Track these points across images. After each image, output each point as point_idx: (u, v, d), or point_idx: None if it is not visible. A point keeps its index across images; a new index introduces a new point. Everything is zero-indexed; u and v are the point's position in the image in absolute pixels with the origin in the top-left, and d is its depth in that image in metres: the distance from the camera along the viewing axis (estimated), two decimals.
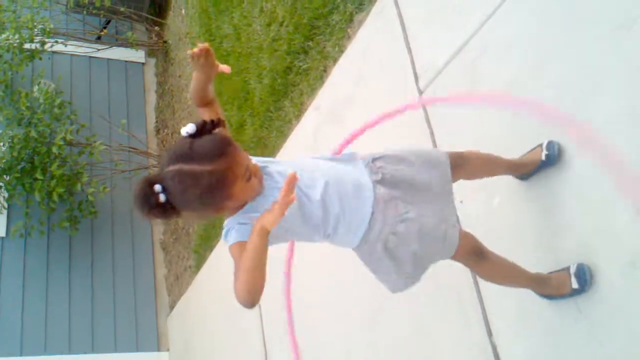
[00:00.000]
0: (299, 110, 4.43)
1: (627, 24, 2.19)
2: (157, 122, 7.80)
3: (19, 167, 5.76)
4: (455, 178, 2.19)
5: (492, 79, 2.78)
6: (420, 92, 3.19)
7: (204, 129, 1.75)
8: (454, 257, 2.09)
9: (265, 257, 1.72)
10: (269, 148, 4.69)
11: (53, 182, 5.78)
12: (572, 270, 2.22)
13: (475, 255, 2.13)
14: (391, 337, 3.19)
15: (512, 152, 2.51)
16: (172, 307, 6.56)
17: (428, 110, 3.12)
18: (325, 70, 4.19)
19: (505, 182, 2.57)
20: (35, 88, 6.31)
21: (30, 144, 5.78)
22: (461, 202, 2.85)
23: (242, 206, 1.87)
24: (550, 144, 2.39)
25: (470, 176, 2.42)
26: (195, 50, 1.89)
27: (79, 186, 5.97)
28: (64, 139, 5.84)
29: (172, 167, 1.71)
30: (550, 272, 2.32)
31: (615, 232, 2.15)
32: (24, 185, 5.81)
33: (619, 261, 2.12)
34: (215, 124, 1.78)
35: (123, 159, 6.56)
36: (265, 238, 1.70)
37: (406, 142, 2.98)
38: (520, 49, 2.65)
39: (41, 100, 6.01)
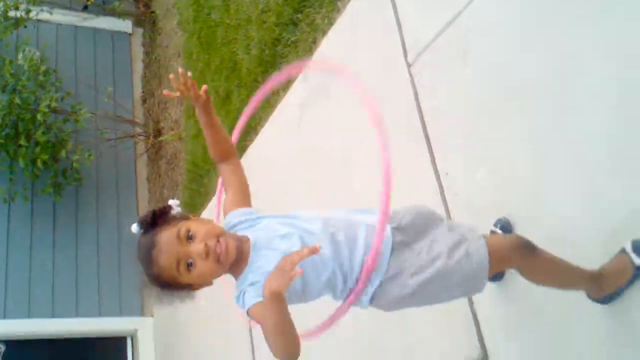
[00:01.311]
0: (287, 82, 4.45)
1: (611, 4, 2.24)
2: (143, 91, 7.77)
3: (3, 133, 5.74)
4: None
5: (480, 53, 2.82)
6: (409, 65, 3.23)
7: (148, 222, 1.83)
8: (504, 264, 1.99)
9: (287, 317, 1.61)
10: (255, 119, 4.71)
11: (37, 149, 5.78)
12: (628, 247, 2.01)
13: (525, 249, 1.90)
14: (385, 341, 3.21)
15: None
16: None
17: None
18: (314, 43, 4.21)
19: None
20: (20, 55, 6.25)
21: (15, 111, 5.75)
22: (447, 174, 2.91)
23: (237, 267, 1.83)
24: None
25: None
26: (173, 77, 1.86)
27: (63, 153, 5.97)
28: (48, 106, 5.82)
29: None
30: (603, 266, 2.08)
31: None
32: (7, 152, 5.81)
33: None
34: (159, 213, 1.84)
35: (109, 127, 6.55)
36: (280, 301, 1.57)
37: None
38: (508, 25, 2.69)
39: (25, 68, 5.97)
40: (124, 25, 7.94)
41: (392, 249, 1.85)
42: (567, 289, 2.12)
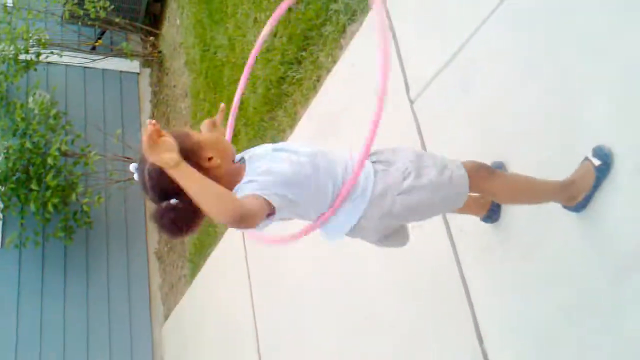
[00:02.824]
0: (293, 120, 4.46)
1: (612, 34, 2.24)
2: None
3: (14, 177, 5.76)
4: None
5: (482, 88, 2.83)
6: (411, 102, 3.23)
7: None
8: (472, 188, 2.11)
9: (198, 180, 1.69)
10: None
11: (48, 193, 5.79)
12: (590, 155, 2.23)
13: (484, 170, 2.15)
14: (382, 344, 3.22)
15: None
16: (166, 317, 6.56)
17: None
18: (318, 80, 4.23)
19: None
20: (30, 99, 6.32)
21: (25, 155, 5.78)
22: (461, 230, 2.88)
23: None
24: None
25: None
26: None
27: (73, 196, 5.99)
28: (59, 149, 5.86)
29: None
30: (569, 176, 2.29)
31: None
32: (19, 196, 5.82)
33: None
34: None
35: (118, 168, 6.58)
36: (179, 169, 1.66)
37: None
38: (508, 60, 2.70)
39: (36, 111, 6.03)
40: (132, 65, 8.02)
41: (375, 172, 2.04)
42: (538, 202, 2.33)
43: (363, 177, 2.00)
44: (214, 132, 2.21)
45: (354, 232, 2.07)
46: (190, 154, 1.82)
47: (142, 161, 1.87)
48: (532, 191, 2.26)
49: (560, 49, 2.47)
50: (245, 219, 1.69)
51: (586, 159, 2.24)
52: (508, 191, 2.24)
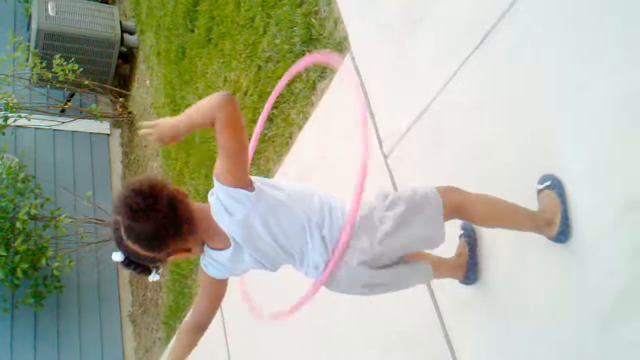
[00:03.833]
0: (267, 177, 4.45)
1: (583, 86, 2.29)
2: None
3: None
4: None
5: (455, 140, 2.86)
6: (385, 157, 3.25)
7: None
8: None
9: (196, 110, 1.83)
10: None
11: (17, 258, 5.67)
12: (537, 187, 2.32)
13: (453, 188, 2.18)
14: None
15: None
16: None
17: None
18: (290, 137, 4.25)
19: None
20: None
21: None
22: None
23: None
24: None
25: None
26: None
27: (43, 261, 5.87)
28: (28, 213, 5.77)
29: None
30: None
31: None
32: None
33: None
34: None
35: (89, 231, 6.48)
36: (183, 126, 1.85)
37: None
38: (482, 110, 2.74)
39: (4, 176, 5.95)
40: (102, 126, 8.01)
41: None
42: (515, 224, 2.27)
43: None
44: None
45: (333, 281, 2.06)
46: (181, 225, 1.87)
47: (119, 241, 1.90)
48: (505, 206, 2.23)
49: (534, 101, 2.51)
50: (232, 96, 1.80)
51: (539, 191, 2.31)
52: (481, 205, 2.22)
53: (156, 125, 1.87)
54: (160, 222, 1.80)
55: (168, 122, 1.86)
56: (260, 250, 1.98)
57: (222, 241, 1.97)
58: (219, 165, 1.85)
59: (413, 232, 2.04)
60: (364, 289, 2.06)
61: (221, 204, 1.90)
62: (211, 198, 1.96)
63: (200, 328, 2.16)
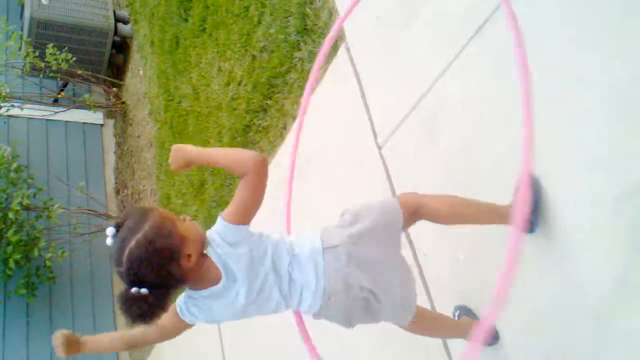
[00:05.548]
0: None
1: (576, 81, 2.28)
2: (116, 183, 7.73)
3: None
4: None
5: (449, 132, 2.84)
6: (379, 148, 3.24)
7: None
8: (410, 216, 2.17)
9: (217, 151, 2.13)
10: None
11: (9, 249, 5.64)
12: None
13: (411, 192, 2.25)
14: None
15: None
16: None
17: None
18: (285, 128, 4.23)
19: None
20: None
21: None
22: (425, 254, 2.87)
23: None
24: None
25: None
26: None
27: (36, 251, 5.83)
28: (20, 203, 5.74)
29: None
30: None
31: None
32: None
33: None
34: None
35: (82, 221, 6.45)
36: (198, 155, 1.97)
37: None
38: (476, 102, 2.72)
39: None
40: (95, 117, 7.96)
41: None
42: (481, 222, 2.29)
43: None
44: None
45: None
46: (174, 251, 1.83)
47: (125, 238, 1.80)
48: (467, 201, 2.22)
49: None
50: (266, 160, 1.90)
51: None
52: (441, 204, 2.21)
53: (177, 151, 1.96)
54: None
55: (187, 152, 1.96)
56: (259, 276, 1.98)
57: (210, 280, 1.95)
58: (230, 209, 1.90)
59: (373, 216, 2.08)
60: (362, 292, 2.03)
61: (223, 239, 1.91)
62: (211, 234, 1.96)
63: (133, 347, 2.23)
